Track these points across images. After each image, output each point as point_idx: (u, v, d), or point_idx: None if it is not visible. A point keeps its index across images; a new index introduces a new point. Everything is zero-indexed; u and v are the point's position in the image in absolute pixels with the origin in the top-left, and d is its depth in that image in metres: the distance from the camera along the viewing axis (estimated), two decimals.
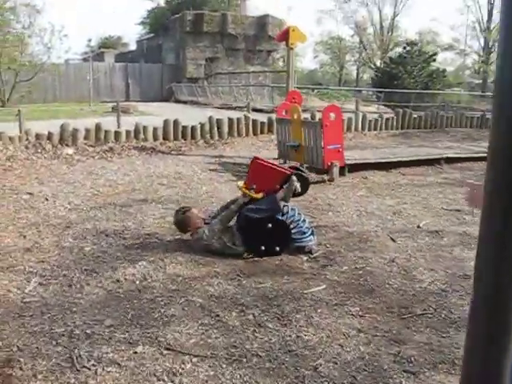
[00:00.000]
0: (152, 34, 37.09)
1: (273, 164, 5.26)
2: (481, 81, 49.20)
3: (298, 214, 4.99)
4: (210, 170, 8.81)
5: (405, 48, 32.56)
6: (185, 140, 11.45)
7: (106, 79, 31.87)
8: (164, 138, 11.31)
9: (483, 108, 26.05)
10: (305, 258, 4.77)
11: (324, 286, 4.13)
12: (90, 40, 45.18)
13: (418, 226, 5.89)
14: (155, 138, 11.25)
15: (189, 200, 6.70)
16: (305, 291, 4.01)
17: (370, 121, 13.94)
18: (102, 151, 9.91)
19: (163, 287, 4.00)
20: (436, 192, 7.66)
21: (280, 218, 4.80)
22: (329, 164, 7.85)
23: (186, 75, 31.82)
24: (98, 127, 10.74)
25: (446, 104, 19.21)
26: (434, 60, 32.82)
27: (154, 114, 19.46)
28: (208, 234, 4.71)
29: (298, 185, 5.10)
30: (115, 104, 16.24)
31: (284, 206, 4.92)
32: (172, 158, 9.86)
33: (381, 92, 27.81)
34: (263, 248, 4.69)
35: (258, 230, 4.67)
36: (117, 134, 10.89)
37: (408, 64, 30.18)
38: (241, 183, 5.17)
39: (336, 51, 54.73)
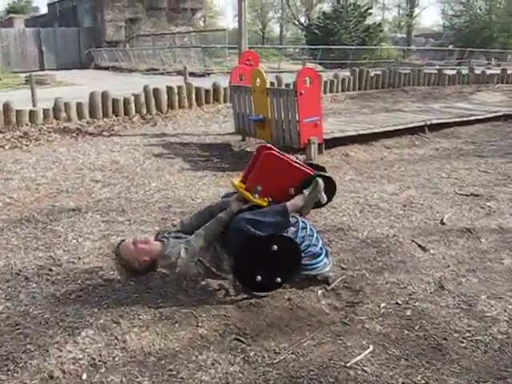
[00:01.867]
0: None
1: (288, 158, 3.60)
2: (404, 35, 49.68)
3: (311, 229, 3.52)
4: (155, 155, 7.10)
5: (338, 2, 31.09)
6: (117, 116, 9.50)
7: (17, 47, 28.84)
8: (91, 116, 9.30)
9: (416, 62, 25.32)
10: (320, 292, 3.36)
11: (371, 349, 2.74)
12: None
13: (442, 223, 4.59)
14: (81, 116, 9.23)
15: (136, 204, 5.08)
16: (347, 363, 2.61)
17: (326, 82, 12.45)
18: (13, 138, 7.84)
19: (128, 383, 2.46)
20: (435, 169, 6.39)
21: (288, 235, 3.34)
22: (306, 141, 6.34)
23: (105, 39, 29.37)
24: (6, 107, 8.59)
25: (396, 60, 17.98)
26: (370, 14, 31.61)
27: (76, 84, 17.33)
28: (185, 255, 3.14)
29: (323, 193, 3.51)
30: (29, 75, 13.93)
31: (292, 216, 3.44)
32: (104, 141, 8.00)
33: (317, 49, 26.33)
34: (259, 279, 3.21)
35: (258, 252, 3.17)
36: (32, 115, 8.80)
37: (343, 19, 28.74)
38: (236, 180, 3.59)
39: (258, 9, 53.09)
